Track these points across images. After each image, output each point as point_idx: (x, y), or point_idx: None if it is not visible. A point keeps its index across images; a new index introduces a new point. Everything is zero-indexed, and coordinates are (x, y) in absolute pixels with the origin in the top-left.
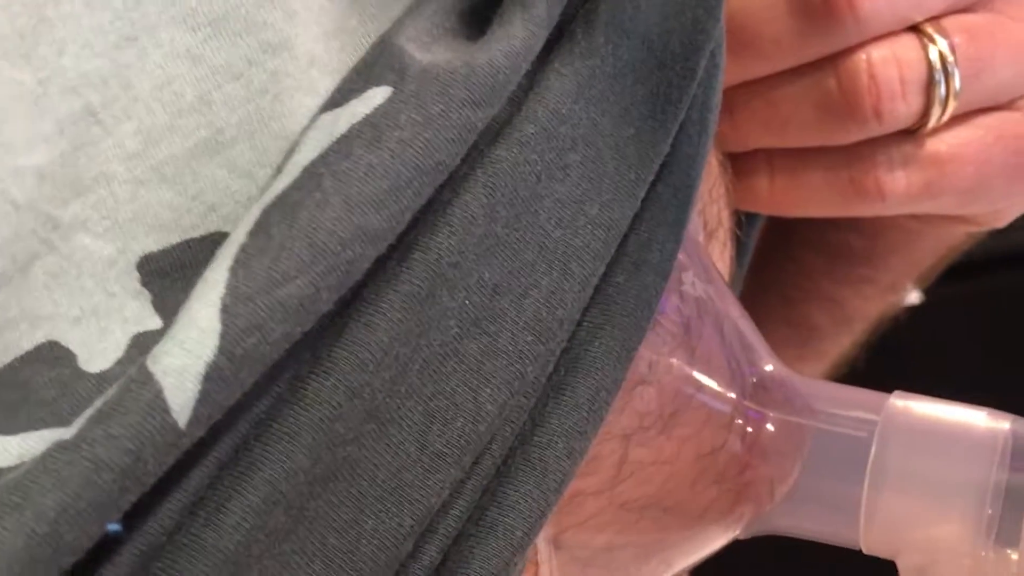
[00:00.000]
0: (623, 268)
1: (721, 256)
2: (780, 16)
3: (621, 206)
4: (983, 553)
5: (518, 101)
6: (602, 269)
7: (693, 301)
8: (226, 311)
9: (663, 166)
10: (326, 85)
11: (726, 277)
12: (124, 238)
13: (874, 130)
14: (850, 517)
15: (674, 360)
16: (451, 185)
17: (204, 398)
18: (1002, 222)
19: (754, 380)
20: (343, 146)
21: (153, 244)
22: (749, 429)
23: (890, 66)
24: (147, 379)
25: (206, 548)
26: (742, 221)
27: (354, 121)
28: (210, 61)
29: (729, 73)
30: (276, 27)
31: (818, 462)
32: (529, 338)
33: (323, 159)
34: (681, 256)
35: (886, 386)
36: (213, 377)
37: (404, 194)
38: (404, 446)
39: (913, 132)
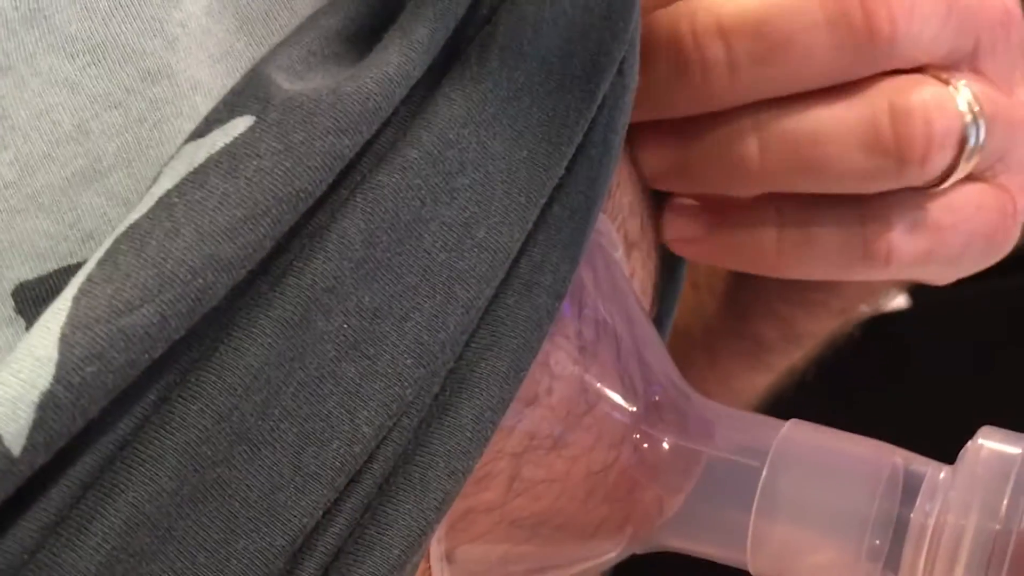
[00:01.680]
0: (514, 290)
1: (644, 267)
2: (816, 25)
3: (510, 229)
4: None
5: (403, 127)
6: (490, 292)
7: (592, 323)
8: (64, 340)
9: (559, 187)
10: (208, 110)
11: (649, 288)
12: None
13: (912, 181)
14: (739, 541)
15: (566, 380)
16: (328, 210)
17: (39, 426)
18: (943, 282)
19: (652, 400)
20: (199, 176)
21: (29, 272)
22: (642, 448)
23: (944, 113)
24: None
25: (65, 568)
26: None
27: (213, 151)
28: (89, 89)
29: (755, 85)
30: (156, 55)
31: (711, 487)
32: (409, 361)
33: (177, 189)
34: (586, 277)
35: (882, 391)
36: (48, 405)
37: (261, 223)
38: (277, 467)
39: (921, 190)
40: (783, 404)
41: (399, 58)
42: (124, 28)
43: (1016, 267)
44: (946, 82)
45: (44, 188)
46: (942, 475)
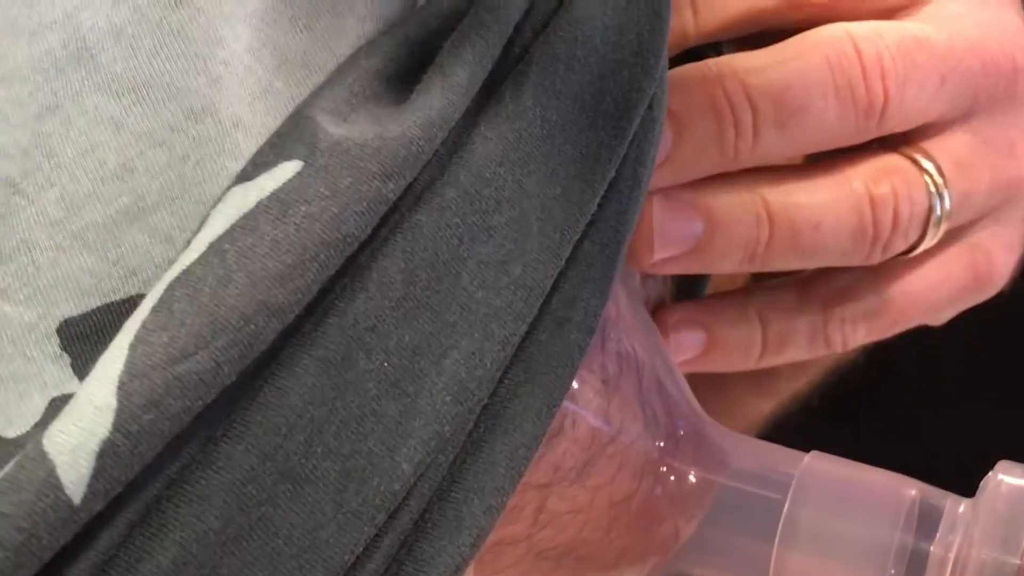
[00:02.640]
0: (546, 327)
1: (658, 295)
2: (827, 94)
3: (545, 266)
4: None
5: (441, 166)
6: (524, 329)
7: (615, 356)
8: (122, 388)
9: (590, 224)
10: (251, 148)
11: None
12: (44, 304)
13: (874, 261)
14: (760, 571)
15: (590, 413)
16: (369, 251)
17: (99, 474)
18: None
19: (673, 431)
20: (249, 221)
21: (73, 309)
22: (664, 479)
23: (910, 198)
24: (41, 457)
25: None
26: None
27: (262, 196)
28: (133, 128)
29: (771, 149)
30: (200, 93)
31: (732, 516)
32: (448, 398)
33: (229, 234)
34: (610, 309)
35: (883, 395)
36: (108, 453)
37: (310, 268)
38: (320, 505)
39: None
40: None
41: (441, 101)
42: (168, 66)
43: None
44: (916, 161)
45: (89, 226)
46: (961, 508)
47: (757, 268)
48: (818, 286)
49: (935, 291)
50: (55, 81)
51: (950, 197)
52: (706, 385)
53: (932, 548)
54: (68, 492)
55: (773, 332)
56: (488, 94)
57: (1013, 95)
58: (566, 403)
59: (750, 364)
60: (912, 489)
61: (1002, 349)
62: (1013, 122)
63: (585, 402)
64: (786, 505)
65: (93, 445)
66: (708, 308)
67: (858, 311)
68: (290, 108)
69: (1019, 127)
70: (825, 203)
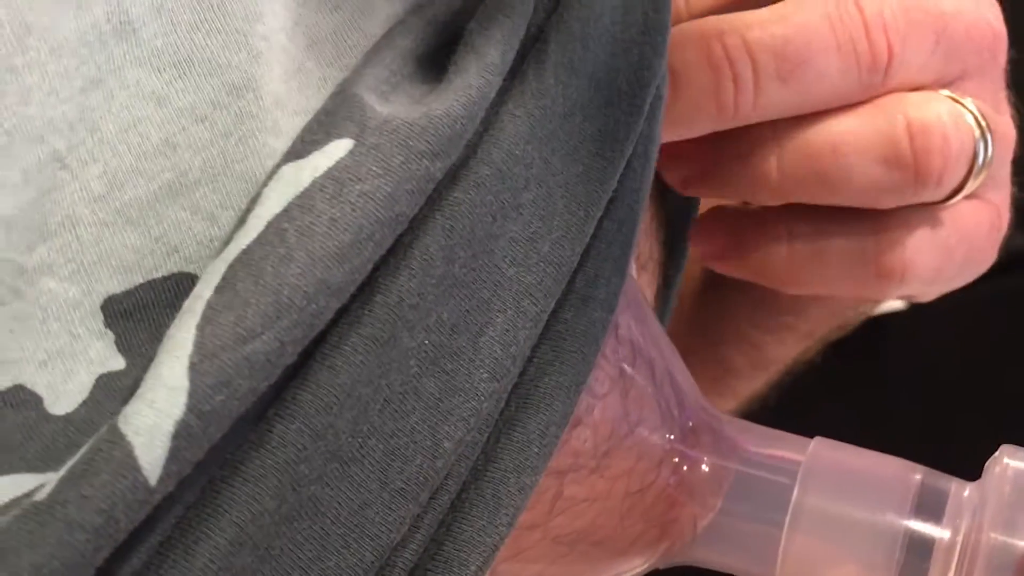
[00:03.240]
0: (571, 304)
1: (650, 287)
2: (828, 49)
3: (571, 243)
4: None
5: (474, 144)
6: (552, 305)
7: (628, 343)
8: (194, 369)
9: (609, 201)
10: (289, 125)
11: (652, 310)
12: (88, 280)
13: (927, 196)
14: (768, 555)
15: (609, 401)
16: (411, 228)
17: (174, 455)
18: (922, 300)
19: (686, 421)
20: (306, 200)
21: (117, 286)
22: (679, 469)
23: (959, 130)
24: (118, 439)
25: None
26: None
27: (316, 175)
28: (175, 103)
29: (775, 103)
30: (241, 68)
31: (741, 502)
32: (485, 375)
33: (286, 213)
34: (620, 298)
35: (876, 393)
36: (182, 435)
37: (366, 246)
38: (366, 484)
39: (932, 207)
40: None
41: (479, 80)
42: (209, 41)
43: (1009, 268)
44: (956, 100)
45: (132, 202)
46: (966, 492)
47: (776, 198)
48: (867, 213)
49: (971, 238)
50: (99, 55)
51: (992, 141)
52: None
53: (939, 532)
54: (145, 473)
55: (807, 246)
56: (512, 73)
57: (995, 61)
58: (586, 393)
59: (780, 278)
60: (917, 474)
61: (963, 347)
62: (998, 85)
63: (603, 390)
64: (795, 491)
65: (168, 426)
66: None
67: (918, 238)
68: (322, 87)
69: (1001, 90)
70: (846, 128)
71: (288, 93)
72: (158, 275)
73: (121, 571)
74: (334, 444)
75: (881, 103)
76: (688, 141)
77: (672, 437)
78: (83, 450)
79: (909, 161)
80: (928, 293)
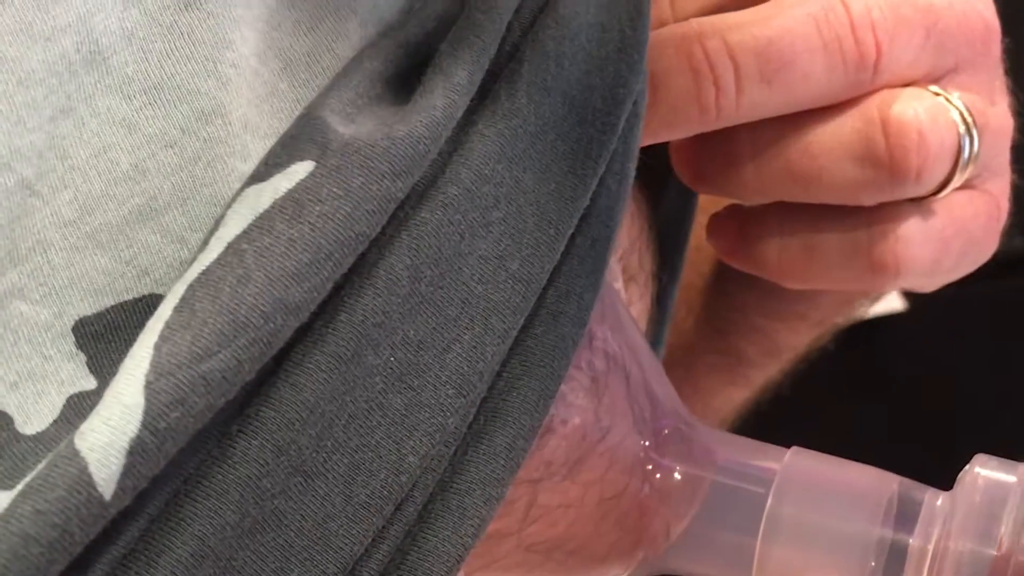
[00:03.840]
0: (541, 320)
1: (641, 299)
2: (814, 49)
3: (541, 260)
4: None
5: (442, 163)
6: (521, 322)
7: (603, 354)
8: (149, 387)
9: (582, 218)
10: (258, 149)
11: (644, 320)
12: (60, 303)
13: (908, 192)
14: (744, 564)
15: (581, 410)
16: (377, 248)
17: (128, 471)
18: (926, 290)
19: (659, 430)
20: (265, 221)
21: (88, 308)
22: (652, 476)
23: (938, 125)
24: (73, 455)
25: None
26: (664, 266)
27: (276, 196)
28: (145, 129)
29: (757, 105)
30: (209, 95)
31: (717, 512)
32: (451, 391)
33: (246, 234)
34: (596, 310)
35: (875, 396)
36: (137, 451)
37: (325, 266)
38: (329, 498)
39: (923, 200)
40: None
41: (443, 101)
42: (179, 69)
43: (1010, 270)
44: (940, 94)
45: (102, 226)
46: (939, 501)
47: (757, 197)
48: (858, 208)
49: (968, 229)
50: (69, 84)
51: (978, 135)
52: (680, 376)
53: (912, 540)
54: (100, 489)
55: (795, 240)
56: (483, 92)
57: (989, 52)
58: (558, 403)
59: (775, 273)
60: (892, 483)
61: (963, 348)
62: (992, 76)
63: (575, 400)
64: (769, 500)
65: (123, 443)
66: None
67: (911, 231)
68: (296, 109)
69: (996, 80)
70: (820, 129)
71: (260, 117)
72: (129, 297)
73: None
74: (297, 459)
75: (858, 102)
76: (686, 142)
77: (646, 444)
78: (40, 466)
79: (884, 159)
80: (929, 284)
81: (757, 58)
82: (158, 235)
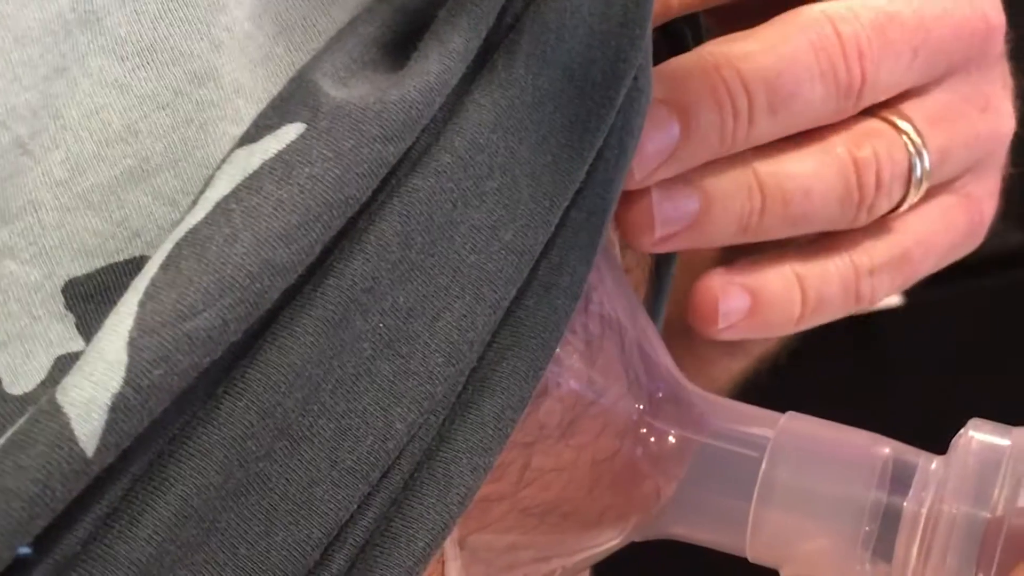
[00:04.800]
0: (533, 291)
1: (638, 266)
2: (814, 78)
3: (535, 232)
4: (859, 566)
5: (436, 131)
6: (513, 293)
7: (598, 318)
8: (133, 344)
9: (578, 191)
10: (251, 113)
11: (642, 289)
12: (50, 263)
13: (860, 223)
14: (738, 528)
15: (575, 373)
16: (367, 213)
17: (111, 428)
18: None
19: (654, 392)
20: (254, 182)
21: (78, 269)
22: (646, 439)
23: (891, 159)
24: (55, 411)
25: (119, 559)
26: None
27: (266, 157)
28: (137, 90)
29: (762, 132)
30: (203, 57)
31: (711, 476)
32: (440, 359)
33: (234, 195)
34: (592, 275)
35: (873, 391)
36: (119, 408)
37: (313, 228)
38: (315, 462)
39: (890, 223)
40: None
41: (438, 67)
42: (172, 31)
43: (1008, 266)
44: (893, 123)
45: (94, 187)
46: (933, 465)
47: (751, 238)
48: (840, 242)
49: (942, 239)
50: (63, 43)
51: (928, 155)
52: (679, 346)
53: (905, 504)
54: (82, 445)
55: (811, 289)
56: (481, 62)
57: (987, 53)
58: (552, 366)
59: (790, 326)
60: (886, 447)
61: (961, 343)
62: (988, 78)
63: (569, 363)
64: (763, 464)
65: (106, 399)
66: (750, 270)
67: (882, 262)
68: (289, 73)
69: (994, 83)
70: (813, 170)
71: (253, 80)
72: (120, 258)
73: (65, 539)
74: (283, 422)
75: (831, 141)
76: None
77: (640, 408)
78: (21, 421)
79: (855, 197)
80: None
81: (767, 89)
82: (150, 197)
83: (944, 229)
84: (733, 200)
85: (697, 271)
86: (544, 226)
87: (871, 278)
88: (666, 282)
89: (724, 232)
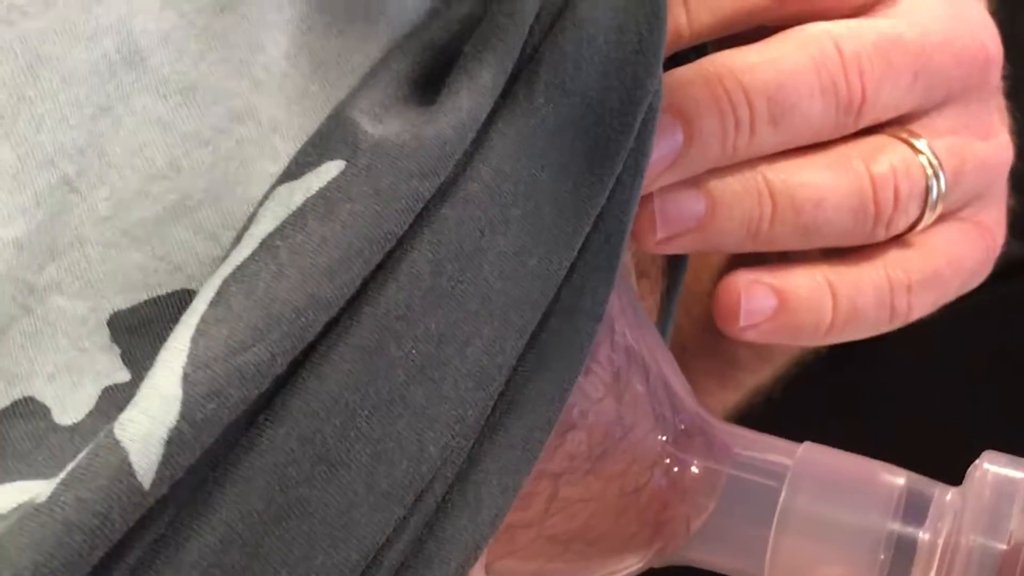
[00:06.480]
0: (557, 314)
1: (652, 294)
2: (814, 93)
3: (559, 257)
4: None
5: (463, 163)
6: (539, 317)
7: (623, 350)
8: (187, 379)
9: (598, 215)
10: (288, 150)
11: (654, 316)
12: (96, 297)
13: (877, 238)
14: (757, 556)
15: (603, 406)
16: (400, 244)
17: (167, 461)
18: None
19: (677, 425)
20: (298, 219)
21: (122, 302)
22: (672, 471)
23: (909, 176)
24: (114, 445)
25: None
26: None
27: (309, 195)
28: (180, 128)
29: (762, 144)
30: (243, 96)
31: (732, 504)
32: (471, 384)
33: (280, 231)
34: (614, 306)
35: (874, 403)
36: (175, 441)
37: (355, 263)
38: (353, 486)
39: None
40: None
41: (469, 103)
42: (214, 70)
43: (1010, 276)
44: (908, 142)
45: (138, 223)
46: (948, 497)
47: (761, 247)
48: (874, 255)
49: (967, 261)
50: (109, 84)
51: (945, 177)
52: None
53: (921, 535)
54: (140, 478)
55: (844, 297)
56: (504, 93)
57: (986, 82)
58: (581, 398)
59: (820, 335)
60: (902, 478)
61: (963, 355)
62: (987, 108)
63: (597, 396)
64: (782, 493)
65: (162, 433)
66: (778, 270)
67: (918, 279)
68: (325, 110)
69: (992, 113)
70: (826, 180)
71: (289, 118)
72: (162, 292)
73: (117, 568)
74: (322, 448)
75: (844, 153)
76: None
77: (665, 440)
78: (81, 455)
79: (871, 211)
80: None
81: (768, 100)
82: (191, 232)
83: (968, 252)
84: (740, 203)
85: (690, 306)
86: (567, 251)
87: (907, 294)
88: (671, 312)
89: (731, 236)
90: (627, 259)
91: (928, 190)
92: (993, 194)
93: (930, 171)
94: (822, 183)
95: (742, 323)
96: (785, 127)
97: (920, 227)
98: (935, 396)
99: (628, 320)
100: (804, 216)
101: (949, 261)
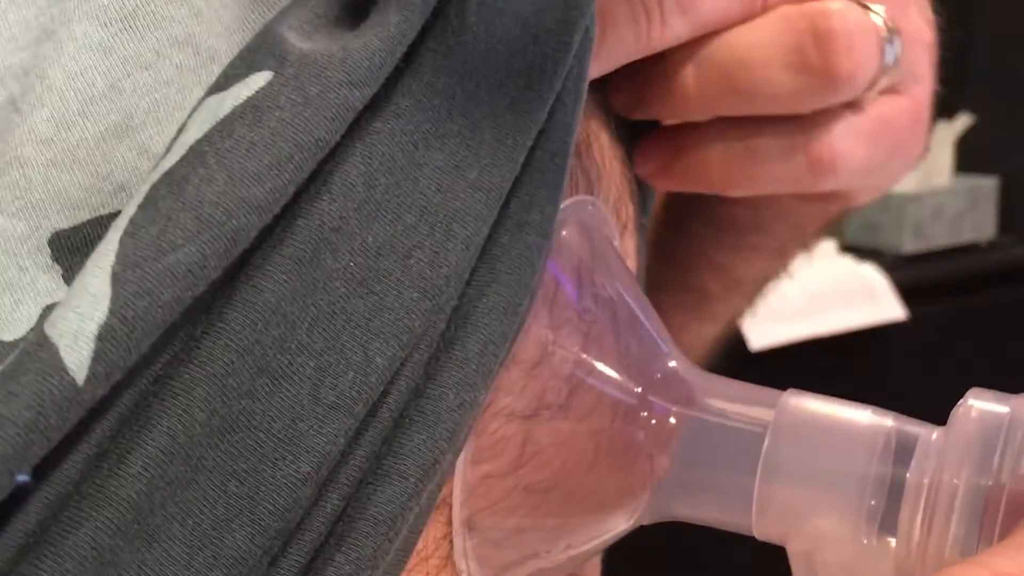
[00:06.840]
0: (506, 229)
1: (632, 241)
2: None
3: (500, 170)
4: (864, 540)
5: (394, 79)
6: (486, 230)
7: (591, 296)
8: (116, 278)
9: (540, 133)
10: None
11: (634, 266)
12: (36, 217)
13: (840, 96)
14: (743, 506)
15: (571, 345)
16: (332, 157)
17: (99, 357)
18: (866, 200)
19: (654, 374)
20: (226, 126)
21: (64, 222)
22: (644, 419)
23: (865, 32)
24: (44, 341)
25: (110, 496)
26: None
27: (236, 103)
28: (120, 52)
29: (677, 32)
30: (182, 23)
31: (715, 454)
32: (415, 295)
33: (207, 138)
34: (583, 253)
35: (876, 401)
36: (106, 337)
37: (285, 168)
38: (297, 398)
39: (852, 104)
40: None
41: (397, 18)
42: None
43: (1010, 280)
44: (863, 5)
45: (80, 142)
46: (935, 436)
47: (699, 112)
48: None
49: (894, 129)
50: (54, 7)
51: (900, 39)
52: None
53: (908, 475)
54: (72, 374)
55: (738, 145)
56: (435, 12)
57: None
58: (548, 335)
59: (716, 180)
60: (888, 420)
61: (969, 350)
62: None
63: (566, 335)
64: (766, 440)
65: (92, 329)
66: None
67: (843, 130)
68: None
69: (912, 3)
70: (755, 42)
71: (229, 48)
72: (105, 212)
73: (60, 473)
74: (262, 360)
75: (785, 13)
76: (624, 72)
77: (640, 388)
78: (13, 354)
79: (818, 66)
80: (861, 189)
81: None
82: (134, 152)
83: (897, 120)
84: (666, 75)
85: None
86: (509, 164)
87: (832, 142)
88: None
89: (668, 105)
90: (608, 213)
91: (883, 52)
92: (920, 71)
93: (885, 33)
94: (749, 44)
95: (638, 170)
96: (695, 14)
97: (875, 90)
98: (935, 396)
99: (600, 268)
100: (733, 78)
101: (884, 118)
